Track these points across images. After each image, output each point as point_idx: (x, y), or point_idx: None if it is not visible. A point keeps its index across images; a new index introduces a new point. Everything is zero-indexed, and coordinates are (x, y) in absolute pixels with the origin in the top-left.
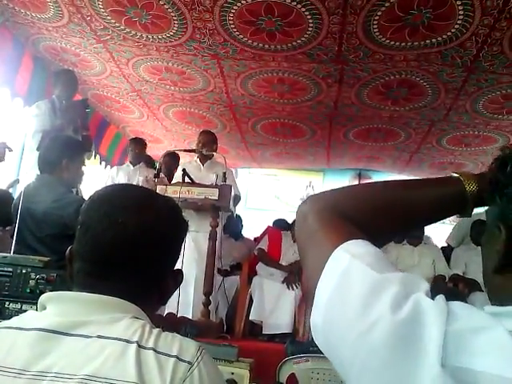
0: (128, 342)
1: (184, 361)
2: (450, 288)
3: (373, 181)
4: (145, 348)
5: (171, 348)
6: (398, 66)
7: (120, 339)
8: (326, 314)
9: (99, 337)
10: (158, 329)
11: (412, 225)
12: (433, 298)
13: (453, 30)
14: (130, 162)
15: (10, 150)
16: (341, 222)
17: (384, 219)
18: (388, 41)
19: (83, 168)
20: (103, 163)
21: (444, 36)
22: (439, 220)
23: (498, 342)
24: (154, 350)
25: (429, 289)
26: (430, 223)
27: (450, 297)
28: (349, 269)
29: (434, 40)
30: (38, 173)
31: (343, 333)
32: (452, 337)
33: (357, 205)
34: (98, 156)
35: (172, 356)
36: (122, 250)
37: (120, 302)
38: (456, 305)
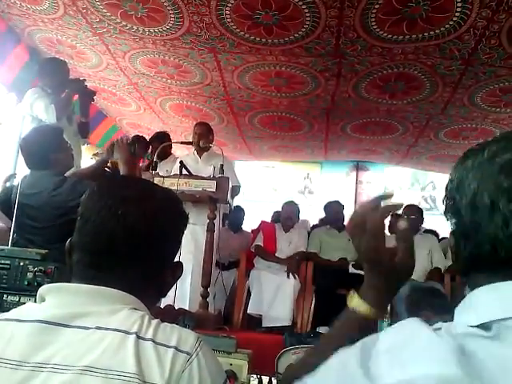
0: (127, 332)
1: (183, 351)
2: (433, 288)
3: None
4: (144, 339)
5: (170, 339)
6: (395, 60)
7: (119, 330)
8: None
9: (98, 328)
10: (156, 320)
11: None
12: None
13: (451, 23)
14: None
15: None
16: None
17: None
18: (386, 34)
19: (71, 152)
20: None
21: (442, 29)
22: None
23: None
24: (153, 341)
25: None
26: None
27: (433, 297)
28: None
29: (431, 33)
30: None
31: None
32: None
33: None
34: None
35: (171, 347)
36: (122, 241)
37: (119, 294)
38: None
